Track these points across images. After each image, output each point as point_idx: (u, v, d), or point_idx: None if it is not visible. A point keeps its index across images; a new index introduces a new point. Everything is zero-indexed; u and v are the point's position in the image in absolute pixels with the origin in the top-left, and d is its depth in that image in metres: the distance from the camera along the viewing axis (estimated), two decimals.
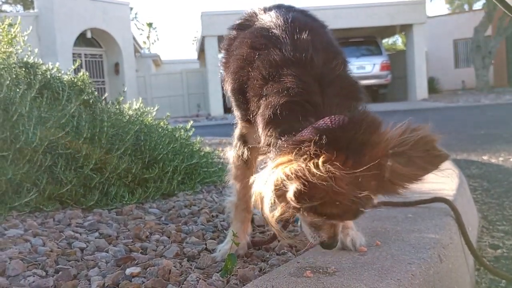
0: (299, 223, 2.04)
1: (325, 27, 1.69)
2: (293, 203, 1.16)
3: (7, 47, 3.51)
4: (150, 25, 45.10)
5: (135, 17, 47.06)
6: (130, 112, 3.70)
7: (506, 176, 4.22)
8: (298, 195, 1.13)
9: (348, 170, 1.14)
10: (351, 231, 1.65)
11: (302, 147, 1.21)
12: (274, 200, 1.21)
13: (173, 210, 2.62)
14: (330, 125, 1.25)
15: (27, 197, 2.50)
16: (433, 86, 24.88)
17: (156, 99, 20.72)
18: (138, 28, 45.16)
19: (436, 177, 2.93)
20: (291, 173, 1.14)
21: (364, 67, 19.22)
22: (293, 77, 1.35)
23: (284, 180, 1.15)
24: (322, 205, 1.21)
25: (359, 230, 1.70)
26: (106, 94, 3.98)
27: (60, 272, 1.62)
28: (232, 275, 1.52)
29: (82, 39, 20.51)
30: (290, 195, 1.14)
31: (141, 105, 3.89)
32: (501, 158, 5.15)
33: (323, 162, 1.14)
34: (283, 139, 1.30)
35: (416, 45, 20.65)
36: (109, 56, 22.09)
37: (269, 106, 1.36)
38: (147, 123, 3.64)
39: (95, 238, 2.07)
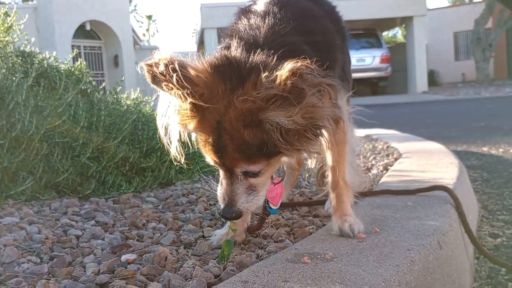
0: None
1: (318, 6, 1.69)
2: (145, 72, 1.26)
3: (4, 36, 3.48)
4: (149, 17, 44.99)
5: (135, 9, 46.85)
6: (128, 102, 3.68)
7: (506, 167, 4.20)
8: (149, 65, 1.25)
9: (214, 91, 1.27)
10: (349, 217, 1.63)
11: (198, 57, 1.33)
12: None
13: (170, 199, 2.60)
14: (235, 55, 1.34)
15: (23, 185, 2.48)
16: (433, 79, 24.85)
17: (155, 92, 20.60)
18: (138, 21, 45.07)
19: (436, 167, 2.92)
20: (164, 55, 1.25)
21: (364, 60, 19.17)
22: (244, 34, 1.46)
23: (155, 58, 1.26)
24: (190, 117, 1.32)
25: (358, 217, 1.69)
26: (104, 84, 3.94)
27: (55, 259, 1.60)
28: (229, 262, 1.50)
29: (81, 31, 20.40)
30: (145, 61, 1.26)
31: (139, 95, 3.87)
32: (501, 150, 5.12)
33: (193, 64, 1.27)
34: None
35: (416, 37, 20.58)
36: (108, 49, 22.00)
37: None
38: (145, 112, 3.61)
39: (91, 226, 2.05)
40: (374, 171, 3.18)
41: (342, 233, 1.59)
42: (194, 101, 1.25)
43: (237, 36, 1.44)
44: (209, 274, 1.40)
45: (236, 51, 1.36)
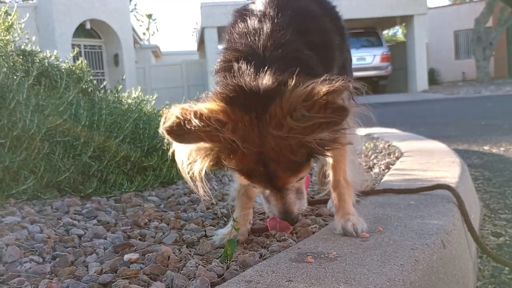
0: None
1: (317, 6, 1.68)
2: (166, 135, 1.21)
3: (5, 35, 3.47)
4: (149, 16, 44.94)
5: (135, 8, 46.84)
6: (129, 101, 3.67)
7: (507, 165, 4.19)
8: (169, 128, 1.19)
9: (242, 126, 1.21)
10: (352, 216, 1.63)
11: (205, 97, 1.30)
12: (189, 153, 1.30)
13: (172, 198, 2.60)
14: (246, 81, 1.28)
15: (24, 184, 2.48)
16: (433, 78, 24.82)
17: (155, 91, 20.53)
18: (138, 20, 45.01)
19: (438, 165, 2.91)
20: (176, 112, 1.20)
21: (364, 58, 19.15)
22: (242, 45, 1.42)
23: (168, 118, 1.21)
24: (226, 157, 1.28)
25: (361, 216, 1.68)
26: (105, 83, 3.94)
27: (58, 259, 1.59)
28: (232, 261, 1.50)
29: (81, 30, 20.39)
30: (162, 126, 1.20)
31: (140, 93, 3.86)
32: (502, 149, 5.12)
33: (208, 107, 1.21)
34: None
35: (416, 36, 20.56)
36: (108, 48, 21.98)
37: (214, 75, 1.48)
38: (146, 111, 3.61)
39: (93, 225, 2.04)
40: (376, 170, 3.18)
41: (345, 232, 1.59)
42: (230, 138, 1.22)
43: (237, 50, 1.41)
44: (212, 273, 1.40)
45: (242, 74, 1.32)
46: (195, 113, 1.19)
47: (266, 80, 1.26)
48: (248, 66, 1.33)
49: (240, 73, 1.32)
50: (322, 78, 1.21)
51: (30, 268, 1.53)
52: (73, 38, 19.64)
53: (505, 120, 7.83)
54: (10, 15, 3.56)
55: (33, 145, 2.64)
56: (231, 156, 1.28)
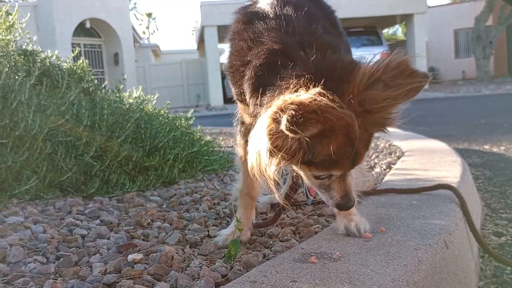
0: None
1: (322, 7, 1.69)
2: (289, 134, 1.13)
3: (6, 34, 3.47)
4: (149, 15, 44.92)
5: (134, 7, 46.80)
6: (130, 100, 3.68)
7: (508, 165, 4.20)
8: (291, 121, 1.10)
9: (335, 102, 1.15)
10: (355, 216, 1.63)
11: (284, 86, 1.25)
12: (270, 151, 1.20)
13: (174, 198, 2.60)
14: (308, 69, 1.26)
15: (27, 184, 2.48)
16: (433, 76, 24.77)
17: (155, 90, 20.56)
18: (138, 18, 45.00)
19: (439, 165, 2.91)
20: (280, 106, 1.13)
21: (365, 58, 19.09)
22: (274, 39, 1.39)
23: (275, 115, 1.15)
24: (318, 147, 1.23)
25: (363, 216, 1.68)
26: (106, 82, 3.95)
27: (61, 259, 1.60)
28: (236, 261, 1.50)
29: (81, 29, 20.38)
30: (283, 126, 1.12)
31: (141, 93, 3.87)
32: (502, 148, 5.12)
33: (311, 91, 1.15)
34: (268, 95, 1.32)
35: (416, 35, 20.55)
36: (108, 47, 21.97)
37: (252, 69, 1.41)
38: (148, 111, 3.61)
39: (96, 225, 2.05)
40: (377, 169, 3.19)
41: (348, 232, 1.59)
42: (345, 114, 1.17)
43: (278, 42, 1.38)
44: (216, 274, 1.40)
45: (309, 59, 1.30)
46: (310, 101, 1.13)
47: (331, 61, 1.27)
48: (305, 53, 1.32)
49: (306, 59, 1.31)
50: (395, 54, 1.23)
51: (35, 268, 1.53)
52: (73, 37, 19.63)
53: (505, 119, 7.84)
54: (10, 14, 3.56)
55: (35, 145, 2.65)
56: (320, 145, 1.24)
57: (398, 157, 3.55)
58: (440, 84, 23.70)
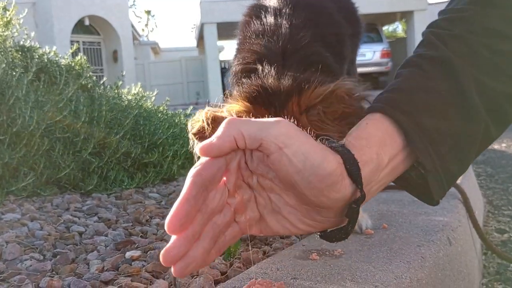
0: None
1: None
2: (195, 140, 1.21)
3: (3, 30, 3.45)
4: (148, 12, 44.87)
5: (133, 5, 46.74)
6: (129, 97, 3.65)
7: (509, 161, 4.18)
8: (197, 132, 1.17)
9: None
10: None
11: (230, 97, 1.27)
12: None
13: (173, 195, 2.58)
14: (269, 82, 1.25)
15: (24, 181, 2.45)
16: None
17: (154, 87, 20.51)
18: (137, 16, 44.96)
19: None
20: (202, 116, 1.18)
21: (365, 55, 19.11)
22: (254, 46, 1.37)
23: (191, 122, 1.21)
24: None
25: (365, 213, 1.66)
26: (104, 79, 3.92)
27: (58, 256, 1.57)
28: (235, 259, 1.48)
29: (80, 27, 20.34)
30: (190, 131, 1.20)
31: (140, 90, 3.84)
32: (503, 145, 5.10)
33: (233, 108, 1.18)
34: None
35: (417, 32, 20.52)
36: (107, 44, 21.93)
37: (233, 76, 1.41)
38: (147, 108, 3.58)
39: (94, 222, 2.02)
40: None
41: None
42: None
43: (256, 52, 1.37)
44: (216, 271, 1.38)
45: (265, 76, 1.29)
46: (223, 115, 1.17)
47: (287, 80, 1.24)
48: (270, 68, 1.30)
49: (264, 75, 1.29)
50: (341, 80, 1.20)
51: (31, 265, 1.51)
52: (72, 34, 19.60)
53: None
54: (8, 10, 3.53)
55: (33, 142, 2.62)
56: None
57: None
58: None
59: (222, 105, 1.25)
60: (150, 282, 1.35)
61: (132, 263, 1.49)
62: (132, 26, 23.61)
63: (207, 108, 1.22)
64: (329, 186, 0.80)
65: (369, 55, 19.31)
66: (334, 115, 1.15)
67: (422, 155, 0.89)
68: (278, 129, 0.79)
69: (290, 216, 0.87)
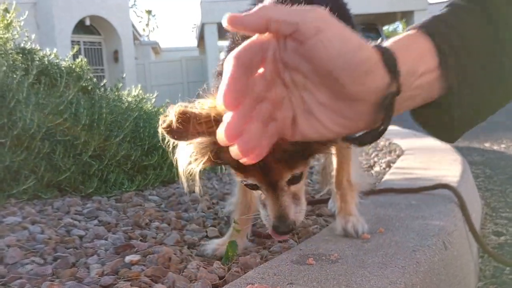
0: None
1: None
2: (166, 134, 1.14)
3: (4, 32, 3.46)
4: (149, 12, 44.86)
5: (134, 4, 46.72)
6: (129, 99, 3.67)
7: (508, 163, 4.19)
8: (167, 127, 1.11)
9: None
10: (352, 217, 1.62)
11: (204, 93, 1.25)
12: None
13: (173, 197, 2.59)
14: None
15: (25, 184, 2.47)
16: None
17: (155, 87, 20.64)
18: (137, 16, 44.96)
19: (439, 164, 2.90)
20: (174, 110, 1.12)
21: None
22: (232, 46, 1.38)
23: (164, 117, 1.14)
24: (225, 151, 1.14)
25: (362, 217, 1.68)
26: (105, 81, 3.94)
27: (59, 260, 1.59)
28: (233, 263, 1.50)
29: (80, 27, 20.36)
30: (160, 128, 1.14)
31: (140, 91, 3.86)
32: (503, 146, 5.11)
33: (207, 102, 1.14)
34: None
35: None
36: (108, 44, 21.95)
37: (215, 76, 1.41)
38: (147, 110, 3.60)
39: (94, 225, 2.04)
40: (377, 168, 3.18)
41: (345, 233, 1.59)
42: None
43: None
44: (214, 275, 1.40)
45: None
46: (194, 110, 1.15)
47: None
48: None
49: None
50: None
51: (32, 269, 1.53)
52: (72, 34, 19.61)
53: (506, 117, 7.82)
54: (9, 12, 3.55)
55: (33, 145, 2.64)
56: (227, 149, 1.24)
57: (398, 156, 3.54)
58: None
59: (196, 101, 1.21)
60: (149, 286, 1.36)
61: (132, 267, 1.51)
62: (133, 26, 23.63)
63: (179, 103, 1.18)
64: (365, 73, 0.78)
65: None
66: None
67: (453, 79, 0.88)
68: (315, 14, 0.77)
69: (323, 117, 0.85)
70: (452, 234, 1.64)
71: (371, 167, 3.26)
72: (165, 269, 1.47)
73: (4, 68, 2.91)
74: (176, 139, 1.20)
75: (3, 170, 2.46)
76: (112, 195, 2.67)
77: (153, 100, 3.96)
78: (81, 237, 1.87)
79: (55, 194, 2.59)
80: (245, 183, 1.33)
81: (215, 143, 1.17)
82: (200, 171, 1.29)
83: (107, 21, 20.84)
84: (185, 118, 1.13)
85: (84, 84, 3.54)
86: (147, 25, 44.99)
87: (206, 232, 1.88)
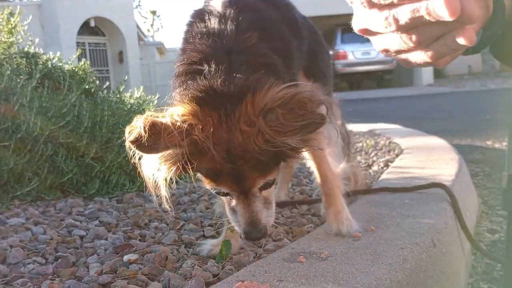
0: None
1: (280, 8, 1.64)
2: (133, 148, 1.14)
3: (8, 37, 3.53)
4: (153, 12, 44.96)
5: (139, 5, 46.85)
6: (132, 101, 3.72)
7: None
8: (135, 140, 1.12)
9: (210, 124, 1.16)
10: (343, 216, 1.66)
11: (175, 100, 1.25)
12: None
13: (173, 198, 2.64)
14: (216, 82, 1.23)
15: (28, 186, 2.54)
16: (439, 71, 24.69)
17: (160, 88, 20.72)
18: (142, 16, 45.08)
19: (436, 163, 2.94)
20: (140, 123, 1.12)
21: (369, 53, 19.09)
22: (199, 46, 1.35)
23: (130, 128, 1.14)
24: (195, 160, 1.21)
25: (354, 216, 1.72)
26: (108, 83, 3.99)
27: (60, 260, 1.65)
28: (227, 261, 1.54)
29: (85, 28, 20.47)
30: (127, 142, 1.14)
31: (143, 93, 3.91)
32: (504, 143, 5.12)
33: (177, 112, 1.16)
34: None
35: None
36: (112, 45, 22.05)
37: (176, 77, 1.37)
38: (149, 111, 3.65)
39: (95, 226, 2.10)
40: (375, 167, 3.21)
41: (337, 232, 1.63)
42: (199, 139, 1.17)
43: (201, 52, 1.34)
44: (208, 273, 1.44)
45: (213, 76, 1.26)
46: (162, 121, 1.14)
47: (237, 80, 1.23)
48: (218, 68, 1.27)
49: (211, 75, 1.26)
50: (303, 85, 1.22)
51: (33, 269, 1.58)
52: (77, 35, 19.72)
53: (509, 115, 7.80)
54: (13, 16, 3.61)
55: (37, 147, 2.70)
56: (200, 158, 1.23)
57: (397, 155, 3.57)
58: (446, 78, 23.60)
59: (165, 110, 1.21)
60: (146, 284, 1.42)
61: (129, 266, 1.56)
62: (138, 26, 23.75)
63: (146, 113, 1.16)
64: None
65: (374, 53, 19.27)
66: (295, 121, 1.14)
67: None
68: None
69: None
70: (441, 232, 1.68)
71: (370, 166, 3.30)
72: (162, 268, 1.52)
73: (8, 72, 2.97)
74: (145, 152, 1.19)
75: (7, 173, 2.52)
76: (113, 196, 2.73)
77: (155, 101, 4.01)
78: (82, 237, 1.92)
79: (58, 195, 2.65)
80: (215, 191, 1.34)
81: (188, 152, 1.19)
82: (166, 180, 1.29)
83: (111, 22, 20.94)
84: (155, 131, 1.12)
85: (87, 87, 3.59)
86: (151, 25, 45.12)
87: (203, 231, 1.93)
